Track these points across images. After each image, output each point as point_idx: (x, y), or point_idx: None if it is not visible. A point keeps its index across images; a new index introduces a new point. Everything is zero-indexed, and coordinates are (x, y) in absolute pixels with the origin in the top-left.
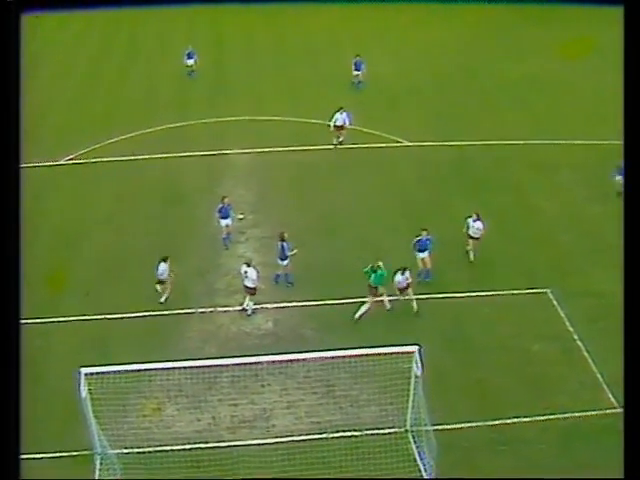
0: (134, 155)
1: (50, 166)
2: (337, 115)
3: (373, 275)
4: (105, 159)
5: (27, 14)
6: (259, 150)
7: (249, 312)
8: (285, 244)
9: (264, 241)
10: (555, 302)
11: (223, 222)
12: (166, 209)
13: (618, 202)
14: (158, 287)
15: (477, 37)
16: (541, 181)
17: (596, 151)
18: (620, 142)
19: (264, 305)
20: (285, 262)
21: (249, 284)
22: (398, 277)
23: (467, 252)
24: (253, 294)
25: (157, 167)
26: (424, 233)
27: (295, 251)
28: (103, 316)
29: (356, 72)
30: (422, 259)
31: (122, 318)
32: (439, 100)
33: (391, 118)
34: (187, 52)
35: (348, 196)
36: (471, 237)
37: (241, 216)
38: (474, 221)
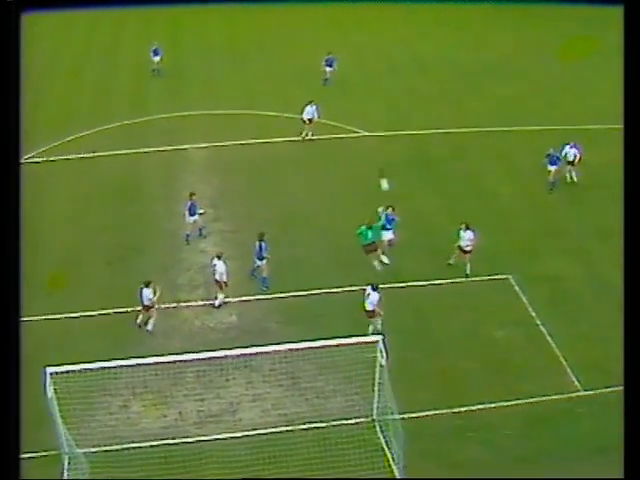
0: (94, 152)
1: None
2: (307, 108)
3: (369, 232)
4: (64, 157)
5: (27, 14)
6: (218, 144)
7: (216, 304)
8: (263, 244)
9: (225, 235)
10: (517, 288)
11: (191, 219)
12: (126, 205)
13: (572, 189)
14: (140, 317)
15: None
16: (499, 168)
17: (551, 136)
18: (576, 127)
19: (227, 299)
20: (262, 262)
21: (216, 277)
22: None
23: (448, 264)
24: (220, 287)
25: (116, 164)
26: (390, 210)
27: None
28: (66, 315)
29: (328, 69)
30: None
31: (85, 316)
32: (397, 90)
33: (349, 109)
34: (153, 49)
35: (308, 188)
36: (463, 250)
37: (201, 211)
38: (464, 231)
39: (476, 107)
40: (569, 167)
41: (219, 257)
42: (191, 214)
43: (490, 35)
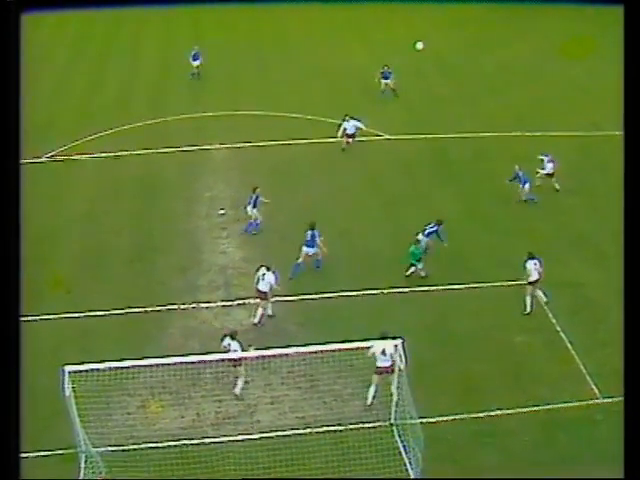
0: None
1: (31, 163)
2: (344, 124)
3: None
4: (85, 156)
5: (27, 14)
6: (239, 145)
7: (256, 320)
8: (316, 232)
9: (245, 236)
10: (539, 292)
11: (254, 211)
12: (146, 205)
13: (598, 194)
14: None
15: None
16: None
17: (573, 143)
18: (595, 133)
19: (247, 300)
20: (312, 250)
21: (262, 288)
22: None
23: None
24: (264, 299)
25: (137, 163)
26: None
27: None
28: (85, 314)
29: (385, 81)
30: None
31: (104, 315)
32: (418, 93)
33: (371, 112)
34: (193, 53)
35: (329, 190)
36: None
37: (222, 211)
38: (529, 262)
39: (497, 110)
40: (551, 179)
41: (268, 268)
42: (254, 206)
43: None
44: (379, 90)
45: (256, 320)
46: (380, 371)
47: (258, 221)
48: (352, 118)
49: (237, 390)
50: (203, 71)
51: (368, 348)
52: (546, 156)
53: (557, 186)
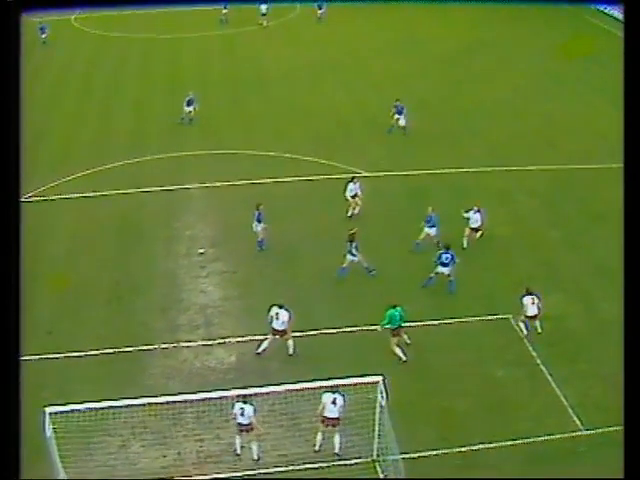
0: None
1: None
2: (350, 185)
3: (397, 313)
4: (63, 196)
5: (27, 14)
6: (217, 184)
7: (290, 351)
8: (355, 243)
9: (225, 275)
10: (517, 327)
11: (259, 227)
12: (125, 245)
13: (576, 227)
14: (237, 441)
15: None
16: (498, 208)
17: (549, 176)
18: (572, 166)
19: (228, 339)
20: (356, 258)
21: (279, 327)
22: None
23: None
24: (283, 336)
25: (115, 203)
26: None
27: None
28: (65, 354)
29: (398, 116)
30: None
31: (84, 356)
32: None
33: (348, 149)
34: (187, 99)
35: (307, 228)
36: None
37: (202, 251)
38: (525, 297)
39: (473, 145)
40: (471, 233)
41: (281, 306)
42: (259, 222)
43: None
44: (389, 125)
45: (260, 350)
46: (326, 423)
47: (260, 238)
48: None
49: (255, 456)
50: (194, 117)
51: (333, 391)
52: (475, 211)
53: (464, 244)
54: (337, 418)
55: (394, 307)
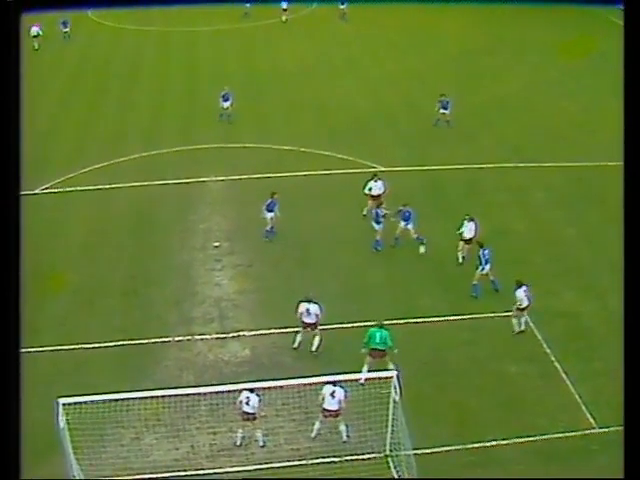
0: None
1: (26, 195)
2: (371, 183)
3: (378, 334)
4: (80, 188)
5: (27, 14)
6: (233, 177)
7: (314, 348)
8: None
9: (240, 269)
10: (532, 323)
11: (268, 215)
12: (140, 237)
13: (592, 224)
14: (240, 432)
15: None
16: (514, 204)
17: (567, 173)
18: (590, 163)
19: (242, 332)
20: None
21: (311, 320)
22: None
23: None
24: (313, 329)
25: (131, 196)
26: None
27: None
28: (79, 346)
29: (443, 111)
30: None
31: (98, 348)
32: (411, 123)
33: (364, 143)
34: (223, 94)
35: (322, 224)
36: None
37: (217, 244)
38: (518, 289)
39: (490, 141)
40: (464, 246)
41: (310, 301)
42: (269, 210)
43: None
44: (434, 119)
45: (296, 344)
46: (325, 414)
47: (268, 227)
48: (380, 179)
49: (261, 442)
50: (233, 113)
51: (333, 384)
52: (469, 220)
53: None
54: (336, 410)
55: (381, 326)
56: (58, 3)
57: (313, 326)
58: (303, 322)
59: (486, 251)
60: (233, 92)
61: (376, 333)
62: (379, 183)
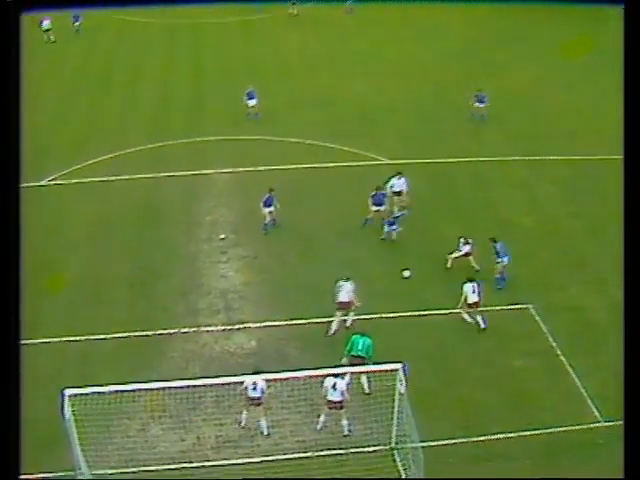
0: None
1: (32, 187)
2: (394, 180)
3: (361, 341)
4: (86, 180)
5: (27, 14)
6: (239, 170)
7: (349, 324)
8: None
9: (246, 261)
10: (537, 317)
11: (266, 210)
12: (146, 229)
13: (597, 217)
14: (244, 414)
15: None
16: (519, 197)
17: (572, 167)
18: (593, 157)
19: (247, 324)
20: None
21: (345, 299)
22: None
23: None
24: (346, 309)
25: (137, 188)
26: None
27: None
28: (84, 337)
29: (479, 105)
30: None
31: (104, 339)
32: (416, 117)
33: (368, 135)
34: (247, 92)
35: (328, 216)
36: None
37: (223, 236)
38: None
39: (494, 134)
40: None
41: (346, 279)
42: (266, 205)
43: None
44: (469, 112)
45: (331, 332)
46: (329, 406)
47: (267, 221)
48: (403, 176)
49: (265, 431)
50: (260, 111)
51: (342, 376)
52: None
53: (476, 266)
54: (340, 401)
55: (362, 334)
56: (58, 3)
57: (346, 305)
58: (338, 302)
59: (500, 244)
60: (257, 90)
61: (359, 340)
62: (402, 180)
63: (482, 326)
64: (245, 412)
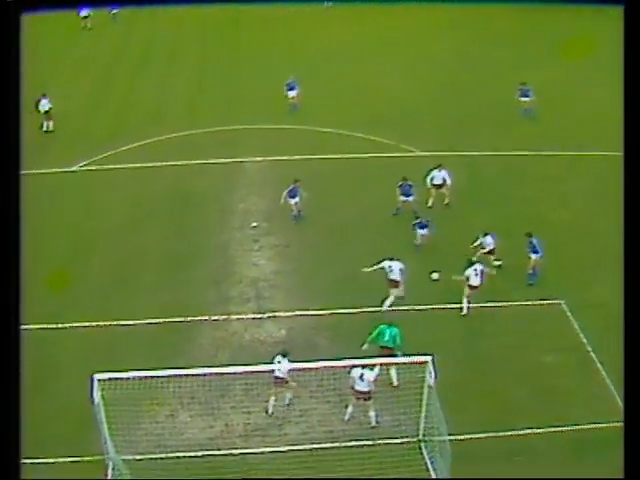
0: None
1: (64, 172)
2: (434, 172)
3: (389, 331)
4: (119, 166)
5: (27, 14)
6: (272, 158)
7: (388, 304)
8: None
9: (277, 249)
10: (569, 313)
11: (291, 201)
12: (179, 217)
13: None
14: (272, 399)
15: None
16: (550, 192)
17: (605, 162)
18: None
19: (278, 313)
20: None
21: (396, 277)
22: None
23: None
24: (396, 287)
25: (170, 175)
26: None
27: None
28: (116, 322)
29: (524, 99)
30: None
31: (135, 325)
32: (450, 109)
33: (403, 127)
34: (287, 82)
35: (360, 207)
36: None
37: (255, 224)
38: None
39: (528, 128)
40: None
41: (392, 259)
42: (291, 197)
43: None
44: (518, 109)
45: (384, 308)
46: (357, 396)
47: (295, 212)
48: (444, 168)
49: (287, 401)
50: (300, 102)
51: (371, 367)
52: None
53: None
54: (368, 392)
55: (390, 324)
56: (59, 3)
57: (397, 283)
58: (389, 280)
59: (535, 240)
60: (298, 80)
61: (386, 330)
62: (442, 172)
63: (464, 312)
64: (273, 398)
